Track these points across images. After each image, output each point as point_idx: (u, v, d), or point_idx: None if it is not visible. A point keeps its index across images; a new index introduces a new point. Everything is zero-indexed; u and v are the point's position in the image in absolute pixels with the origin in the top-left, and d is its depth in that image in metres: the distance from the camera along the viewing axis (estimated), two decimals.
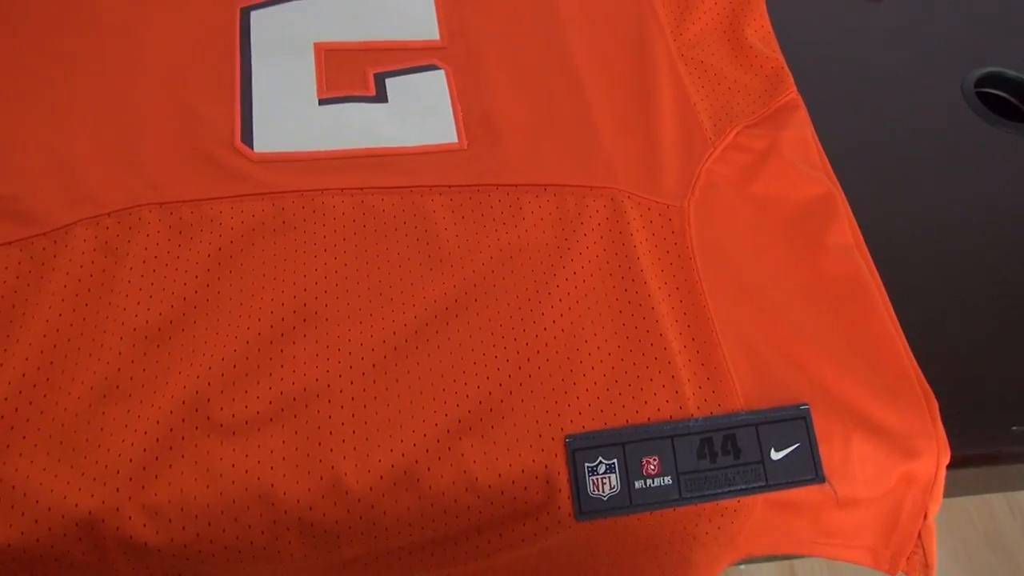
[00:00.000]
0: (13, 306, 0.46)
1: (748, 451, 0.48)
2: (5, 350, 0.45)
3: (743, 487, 0.47)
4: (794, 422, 0.49)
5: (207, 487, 0.43)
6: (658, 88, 0.62)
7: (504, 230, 0.54)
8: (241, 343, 0.46)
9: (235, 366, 0.46)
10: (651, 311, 0.51)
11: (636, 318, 0.51)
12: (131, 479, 0.42)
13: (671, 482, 0.47)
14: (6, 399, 0.43)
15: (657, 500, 0.46)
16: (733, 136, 0.60)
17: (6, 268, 0.47)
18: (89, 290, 0.48)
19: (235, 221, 0.51)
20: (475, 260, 0.52)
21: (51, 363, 0.45)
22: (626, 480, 0.46)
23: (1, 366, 0.44)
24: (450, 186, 0.55)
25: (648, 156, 0.58)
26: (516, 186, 0.55)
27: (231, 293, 0.49)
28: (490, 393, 0.47)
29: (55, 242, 0.48)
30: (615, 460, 0.46)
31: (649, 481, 0.46)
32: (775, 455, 0.48)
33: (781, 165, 0.59)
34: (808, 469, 0.48)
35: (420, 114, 0.59)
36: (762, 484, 0.47)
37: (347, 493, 0.44)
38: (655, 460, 0.47)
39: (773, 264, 0.55)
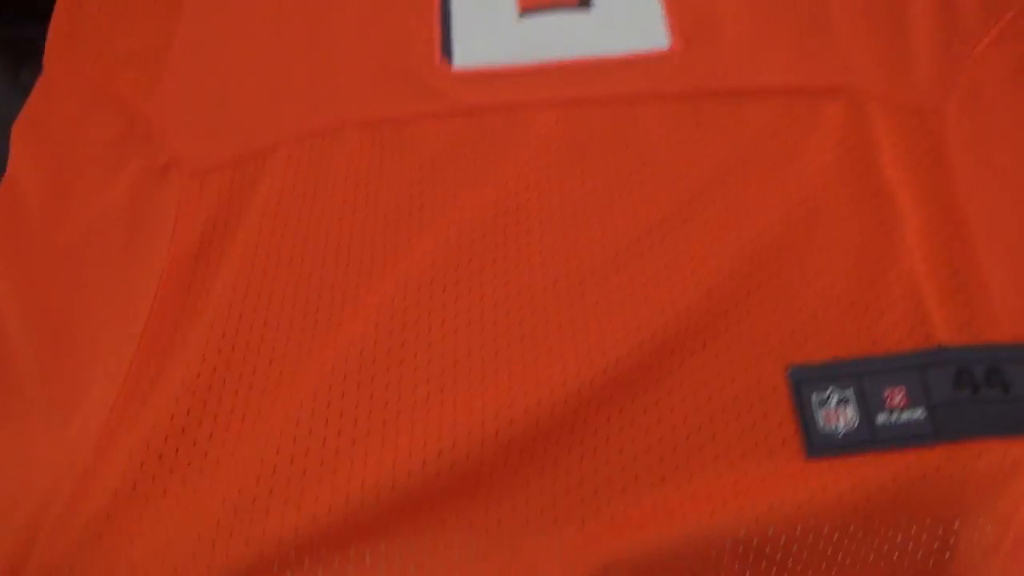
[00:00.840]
0: (226, 225, 0.47)
1: (1018, 386, 0.40)
2: (215, 274, 0.45)
3: (1012, 428, 0.40)
4: None
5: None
6: None
7: (724, 141, 0.48)
8: (445, 254, 0.44)
9: (435, 279, 0.44)
10: (896, 227, 0.44)
11: (878, 235, 0.44)
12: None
13: (923, 415, 0.40)
14: (214, 322, 0.44)
15: (906, 435, 0.40)
16: (1007, 21, 0.51)
17: (217, 190, 0.48)
18: (294, 215, 0.47)
19: (437, 140, 0.49)
20: (692, 173, 0.47)
21: (244, 298, 0.45)
22: (866, 413, 0.40)
23: (209, 293, 0.45)
24: (664, 95, 0.50)
25: (896, 49, 0.51)
26: (737, 92, 0.50)
27: (435, 210, 0.47)
28: (705, 310, 0.43)
29: (263, 163, 0.49)
30: (850, 391, 0.41)
31: (895, 414, 0.40)
32: None
33: None
34: None
35: (627, 18, 0.54)
36: None
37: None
38: (901, 391, 0.40)
39: None
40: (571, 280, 0.44)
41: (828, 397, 0.41)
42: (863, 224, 0.45)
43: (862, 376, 0.41)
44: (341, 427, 0.41)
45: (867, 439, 0.40)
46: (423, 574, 0.39)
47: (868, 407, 0.40)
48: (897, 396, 0.40)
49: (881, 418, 0.40)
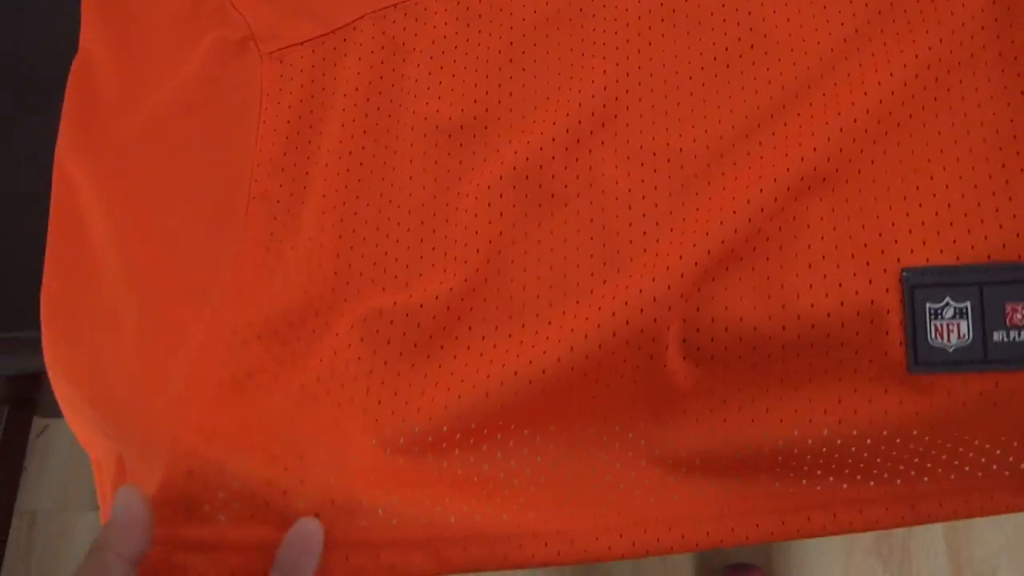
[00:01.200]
0: (311, 111, 0.45)
1: None
2: (308, 157, 0.44)
3: None
4: None
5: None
6: None
7: (844, 5, 0.43)
8: (535, 150, 0.42)
9: (528, 176, 0.42)
10: None
11: (1014, 126, 0.39)
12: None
13: None
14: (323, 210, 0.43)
15: (1022, 357, 0.37)
16: None
17: (300, 71, 0.45)
18: (380, 92, 0.45)
19: (526, 10, 0.45)
20: (808, 53, 0.42)
21: (348, 170, 0.43)
22: (981, 328, 0.37)
23: (308, 174, 0.44)
24: None
25: None
26: None
27: (524, 94, 0.44)
28: (814, 191, 0.40)
29: (344, 40, 0.46)
30: (968, 303, 0.37)
31: (1014, 333, 0.37)
32: None
33: None
34: None
35: None
36: None
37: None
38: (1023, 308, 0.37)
39: None
40: (660, 190, 0.41)
41: (942, 308, 0.37)
42: (1010, 100, 0.39)
43: (984, 286, 0.37)
44: (486, 312, 0.40)
45: (979, 358, 0.37)
46: (548, 461, 0.39)
47: (985, 322, 0.37)
48: (1020, 312, 0.37)
49: (998, 336, 0.37)
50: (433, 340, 0.40)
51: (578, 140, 0.42)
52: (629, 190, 0.41)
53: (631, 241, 0.40)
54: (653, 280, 0.38)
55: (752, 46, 0.43)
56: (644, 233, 0.40)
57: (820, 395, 0.39)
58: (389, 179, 0.43)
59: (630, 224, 0.40)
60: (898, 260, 0.38)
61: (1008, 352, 0.37)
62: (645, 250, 0.40)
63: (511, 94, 0.44)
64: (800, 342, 0.38)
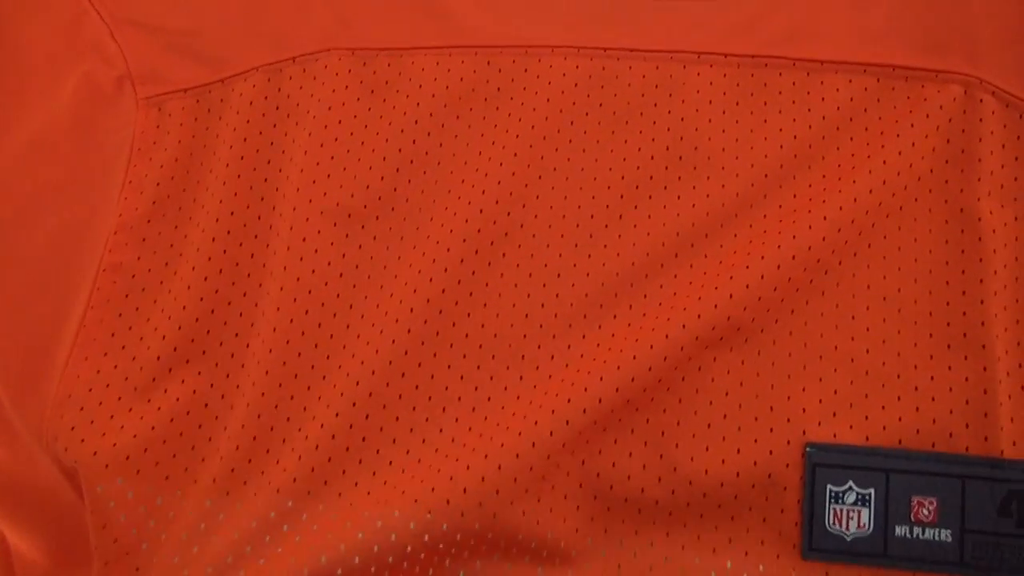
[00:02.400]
0: (186, 171, 0.40)
1: None
2: (176, 227, 0.39)
3: None
4: None
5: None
6: None
7: (790, 121, 0.39)
8: (428, 262, 0.37)
9: (416, 290, 0.37)
10: (976, 283, 0.35)
11: (949, 290, 0.36)
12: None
13: (950, 539, 0.33)
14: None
15: (924, 558, 0.33)
16: None
17: (179, 123, 0.40)
18: (268, 160, 0.40)
19: (437, 83, 0.40)
20: (739, 175, 0.38)
21: (224, 251, 0.38)
22: (883, 520, 0.34)
23: (174, 247, 0.39)
24: (725, 55, 0.40)
25: None
26: (821, 63, 0.39)
27: (425, 184, 0.39)
28: (717, 358, 0.36)
29: (233, 90, 0.41)
30: (871, 490, 0.34)
31: (917, 530, 0.34)
32: None
33: None
34: None
35: None
36: None
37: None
38: (931, 503, 0.34)
39: None
40: (549, 315, 0.37)
41: (844, 492, 0.34)
42: (933, 273, 0.36)
43: (890, 473, 0.34)
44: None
45: (879, 552, 0.34)
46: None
47: (888, 514, 0.34)
48: (926, 508, 0.34)
49: (900, 530, 0.34)
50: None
51: (476, 251, 0.37)
52: (526, 315, 0.37)
53: (521, 377, 0.36)
54: (536, 424, 0.34)
55: (680, 158, 0.38)
56: (536, 368, 0.36)
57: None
58: (263, 260, 0.38)
59: (522, 356, 0.36)
60: (803, 432, 0.34)
61: (909, 550, 0.33)
62: (535, 386, 0.36)
63: (409, 182, 0.39)
64: (688, 511, 0.35)
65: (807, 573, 0.34)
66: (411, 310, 0.36)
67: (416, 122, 0.40)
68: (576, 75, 0.40)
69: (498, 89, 0.40)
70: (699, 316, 0.35)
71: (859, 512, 0.34)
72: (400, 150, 0.39)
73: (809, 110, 0.39)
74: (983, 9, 0.39)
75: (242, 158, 0.40)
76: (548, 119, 0.39)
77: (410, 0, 0.42)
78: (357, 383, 0.35)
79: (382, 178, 0.39)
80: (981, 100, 0.37)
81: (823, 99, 0.39)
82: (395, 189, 0.39)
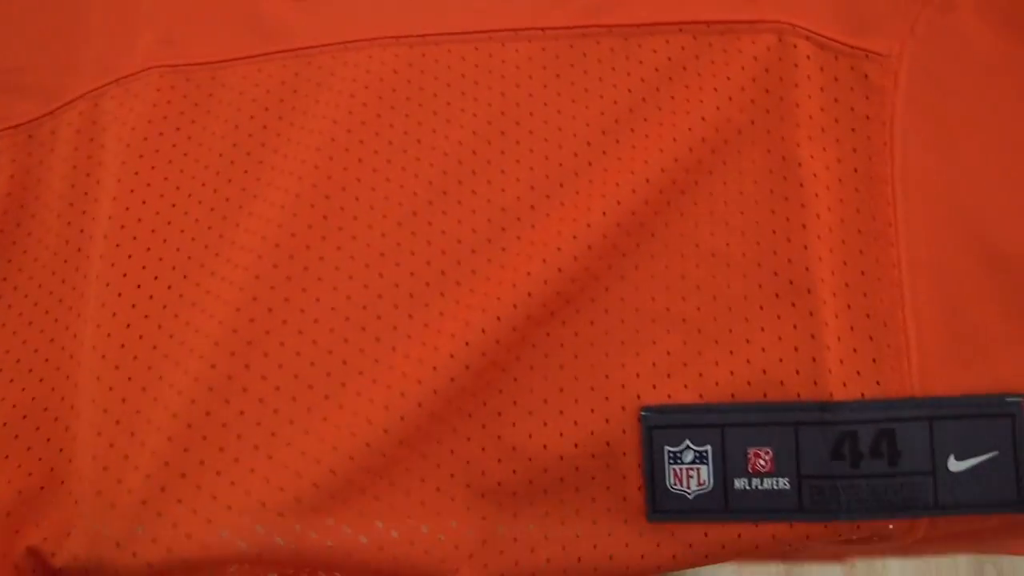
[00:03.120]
0: (21, 206, 0.40)
1: (913, 456, 0.33)
2: (9, 261, 0.39)
3: (898, 508, 0.33)
4: (994, 420, 0.33)
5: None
6: None
7: (609, 87, 0.38)
8: (251, 278, 0.37)
9: (239, 309, 0.37)
10: (800, 229, 0.35)
11: (775, 239, 0.36)
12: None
13: (789, 486, 0.33)
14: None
15: (765, 508, 0.33)
16: None
17: (12, 160, 0.40)
18: (85, 192, 0.40)
19: (258, 88, 0.40)
20: (563, 146, 0.38)
21: (50, 292, 0.38)
22: (722, 475, 0.34)
23: (16, 289, 0.39)
24: (543, 29, 0.39)
25: None
26: (636, 26, 0.39)
27: (245, 185, 0.39)
28: (551, 333, 0.36)
29: (59, 122, 0.40)
30: (708, 447, 0.34)
31: (756, 481, 0.34)
32: (956, 464, 0.33)
33: None
34: (1006, 490, 0.33)
35: None
36: (928, 506, 0.33)
37: None
38: (767, 453, 0.34)
39: None
40: (369, 314, 0.36)
41: (682, 452, 0.34)
42: (759, 223, 0.36)
43: (725, 429, 0.34)
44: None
45: (720, 508, 0.34)
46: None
47: (726, 468, 0.34)
48: (762, 458, 0.34)
49: (739, 483, 0.34)
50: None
51: (291, 256, 0.37)
52: (348, 297, 0.37)
53: (344, 361, 0.36)
54: (370, 422, 0.34)
55: (503, 132, 0.38)
56: (361, 350, 0.36)
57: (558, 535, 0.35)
58: (77, 310, 0.38)
59: (345, 340, 0.36)
60: (638, 396, 0.34)
61: (750, 502, 0.33)
62: (360, 372, 0.35)
63: (230, 181, 0.39)
64: (532, 488, 0.34)
65: (654, 535, 0.34)
66: (237, 309, 0.35)
67: (237, 127, 0.39)
68: (395, 62, 0.40)
69: (318, 84, 0.40)
70: (529, 294, 0.35)
71: (698, 470, 0.34)
72: (221, 155, 0.39)
73: (628, 74, 0.38)
74: None
75: (73, 186, 0.39)
76: (367, 105, 0.39)
77: (230, 13, 0.42)
78: (192, 391, 0.35)
79: (203, 184, 0.38)
80: (795, 45, 0.37)
81: (641, 62, 0.38)
82: (215, 191, 0.38)
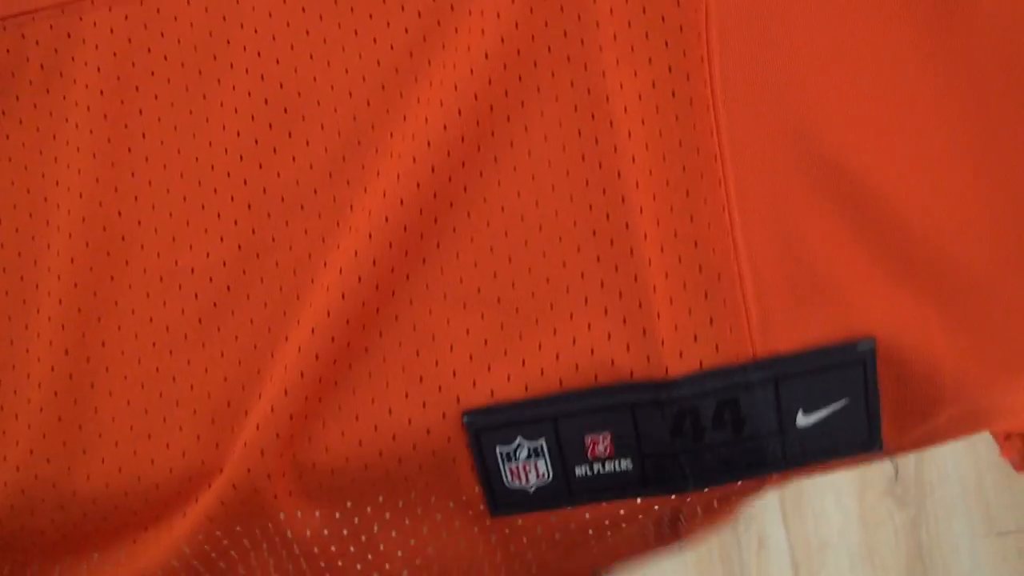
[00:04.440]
0: None
1: (758, 420, 0.30)
2: None
3: (746, 469, 0.31)
4: (844, 370, 0.30)
5: None
6: None
7: (381, 34, 0.32)
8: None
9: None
10: (615, 178, 0.30)
11: (590, 191, 0.31)
12: None
13: (631, 467, 0.31)
14: None
15: (608, 489, 0.31)
16: None
17: None
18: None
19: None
20: (336, 99, 0.32)
21: None
22: (561, 466, 0.31)
23: None
24: None
25: None
26: None
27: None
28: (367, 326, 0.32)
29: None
30: (542, 440, 0.31)
31: (597, 466, 0.31)
32: (804, 419, 0.30)
33: None
34: (858, 434, 0.31)
35: None
36: (777, 463, 0.31)
37: None
38: (606, 438, 0.31)
39: (871, 73, 0.31)
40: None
41: (515, 449, 0.31)
42: (575, 159, 0.31)
43: (557, 420, 0.31)
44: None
45: (564, 495, 0.31)
46: None
47: (564, 459, 0.31)
48: (601, 444, 0.31)
49: (580, 471, 0.31)
50: None
51: (91, 268, 0.32)
52: (150, 319, 0.32)
53: (174, 378, 0.32)
54: (198, 438, 0.31)
55: (286, 110, 0.32)
56: (193, 366, 0.32)
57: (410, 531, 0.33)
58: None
59: (168, 355, 0.32)
60: (458, 399, 0.31)
61: (593, 485, 0.31)
62: (175, 404, 0.32)
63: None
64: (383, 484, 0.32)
65: (500, 530, 0.32)
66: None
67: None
68: (127, 28, 0.33)
69: (41, 67, 0.33)
70: (343, 296, 0.30)
71: (535, 464, 0.31)
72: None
73: (403, 8, 0.32)
74: None
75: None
76: (105, 94, 0.33)
77: None
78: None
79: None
80: None
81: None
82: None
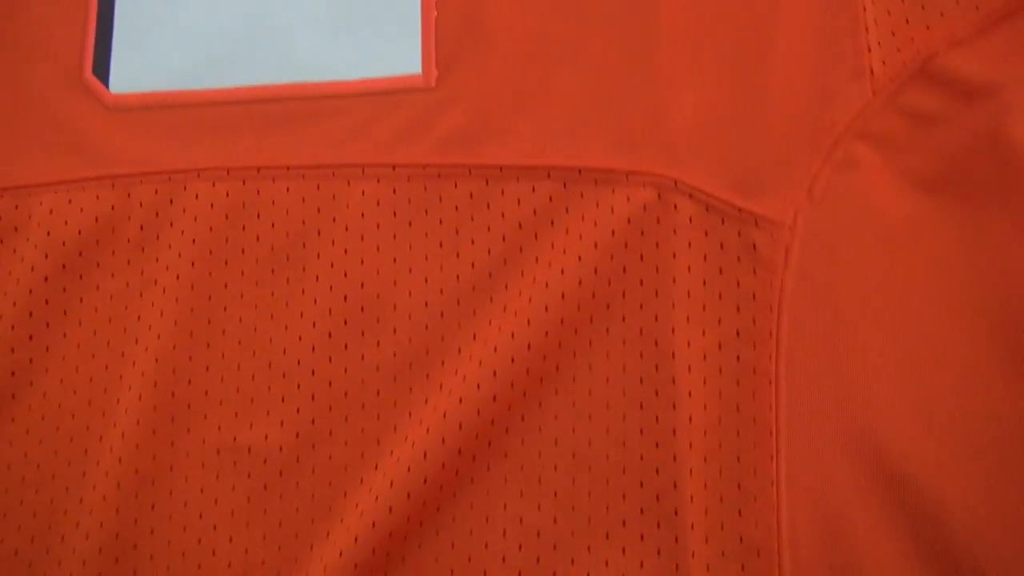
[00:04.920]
0: None
1: None
2: None
3: None
4: None
5: None
6: None
7: (464, 249, 0.34)
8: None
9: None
10: (670, 435, 0.31)
11: (643, 441, 0.32)
12: None
13: None
14: None
15: None
16: (920, 65, 0.32)
17: None
18: None
19: (69, 227, 0.35)
20: (412, 306, 0.33)
21: None
22: None
23: None
24: (393, 166, 0.34)
25: (744, 109, 0.33)
26: (500, 168, 0.33)
27: (58, 347, 0.35)
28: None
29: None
30: None
31: None
32: None
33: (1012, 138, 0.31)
34: None
35: (370, 11, 0.36)
36: None
37: None
38: None
39: (936, 388, 0.31)
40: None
41: None
42: (634, 406, 0.32)
43: None
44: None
45: None
46: None
47: None
48: None
49: None
50: None
51: (154, 431, 0.33)
52: (201, 490, 0.33)
53: (214, 552, 0.33)
54: None
55: (363, 308, 0.33)
56: (235, 544, 0.33)
57: None
58: None
59: (212, 529, 0.33)
60: None
61: None
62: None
63: (31, 338, 0.36)
64: None
65: None
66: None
67: (46, 279, 0.34)
68: (227, 204, 0.34)
69: (141, 228, 0.35)
70: (390, 510, 0.31)
71: None
72: (17, 305, 0.34)
73: (488, 228, 0.33)
74: (674, 96, 0.33)
75: None
76: (196, 264, 0.34)
77: (36, 128, 0.36)
78: None
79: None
80: (676, 206, 0.32)
81: (503, 215, 0.33)
82: (13, 351, 0.34)
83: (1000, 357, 0.30)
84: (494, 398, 0.31)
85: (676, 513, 0.30)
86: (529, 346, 0.32)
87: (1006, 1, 0.32)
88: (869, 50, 0.32)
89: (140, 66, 0.36)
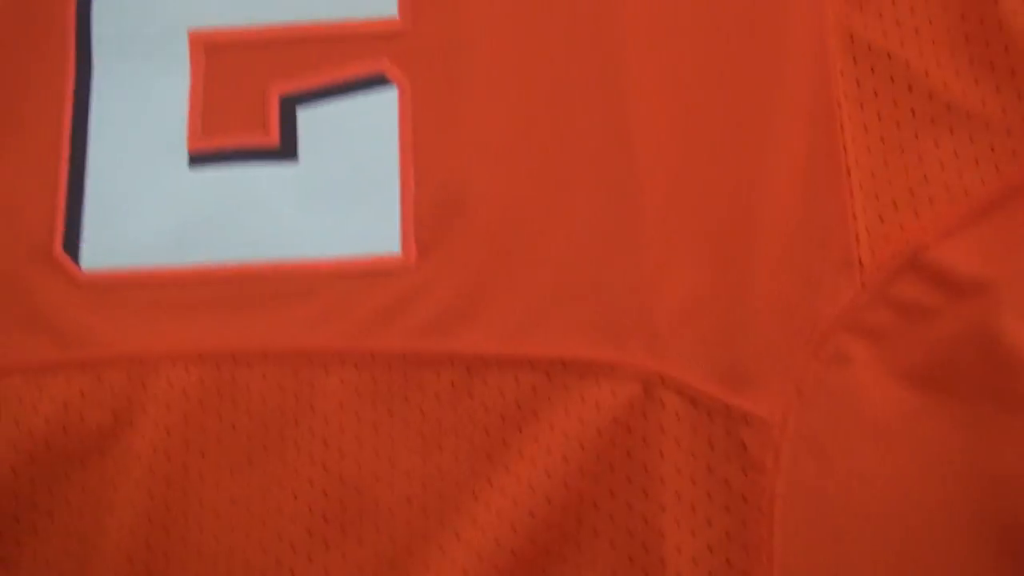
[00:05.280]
0: None
1: None
2: None
3: None
4: None
5: None
6: (780, 146, 0.33)
7: (446, 443, 0.33)
8: None
9: None
10: None
11: None
12: None
13: None
14: None
15: None
16: (910, 257, 0.32)
17: None
18: None
19: (37, 415, 0.34)
20: (393, 501, 0.32)
21: None
22: None
23: None
24: (372, 354, 0.33)
25: (730, 296, 0.32)
26: (482, 357, 0.33)
27: (27, 551, 0.33)
28: None
29: None
30: None
31: None
32: None
33: (1004, 338, 0.31)
34: None
35: (347, 186, 0.35)
36: None
37: None
38: None
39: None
40: None
41: None
42: None
43: None
44: None
45: None
46: None
47: None
48: None
49: None
50: None
51: None
52: None
53: None
54: None
55: (343, 505, 0.33)
56: None
57: None
58: None
59: None
60: None
61: None
62: None
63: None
64: None
65: None
66: None
67: (14, 471, 0.33)
68: (200, 391, 0.33)
69: (113, 415, 0.34)
70: None
71: None
72: None
73: (471, 420, 0.32)
74: (658, 280, 0.32)
75: None
76: (170, 456, 0.33)
77: (4, 307, 0.35)
78: None
79: None
80: (663, 402, 0.31)
81: (486, 408, 0.32)
82: None
83: (994, 562, 0.30)
84: None
85: None
86: (513, 552, 0.31)
87: (995, 189, 0.31)
88: (858, 240, 0.31)
89: (112, 240, 0.35)
